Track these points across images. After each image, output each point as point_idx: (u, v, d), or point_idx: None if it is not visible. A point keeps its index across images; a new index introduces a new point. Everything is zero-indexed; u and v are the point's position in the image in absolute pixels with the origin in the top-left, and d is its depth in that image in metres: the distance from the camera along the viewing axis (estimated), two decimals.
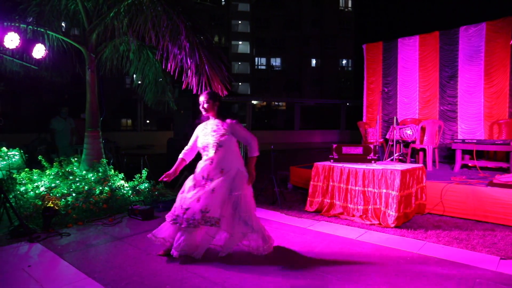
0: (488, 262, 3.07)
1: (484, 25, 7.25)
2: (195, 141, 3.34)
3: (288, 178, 6.55)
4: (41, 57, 4.47)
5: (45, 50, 4.46)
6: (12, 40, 3.81)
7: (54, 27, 5.18)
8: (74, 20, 5.43)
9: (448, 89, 7.83)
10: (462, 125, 7.62)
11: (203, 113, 3.29)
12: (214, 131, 3.22)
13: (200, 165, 3.24)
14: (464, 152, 6.37)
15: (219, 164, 3.14)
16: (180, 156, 3.38)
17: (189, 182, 3.21)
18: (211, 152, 3.17)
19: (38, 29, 4.96)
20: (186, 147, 3.41)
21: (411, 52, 8.44)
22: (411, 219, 4.43)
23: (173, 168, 3.29)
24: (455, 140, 6.43)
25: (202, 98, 3.27)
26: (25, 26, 4.60)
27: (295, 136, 23.23)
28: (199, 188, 3.11)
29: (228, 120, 3.25)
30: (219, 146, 3.15)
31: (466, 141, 6.24)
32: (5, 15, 4.68)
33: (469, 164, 6.32)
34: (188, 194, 3.12)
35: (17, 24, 4.57)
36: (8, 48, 3.91)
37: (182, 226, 3.01)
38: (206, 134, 3.26)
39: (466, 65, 7.54)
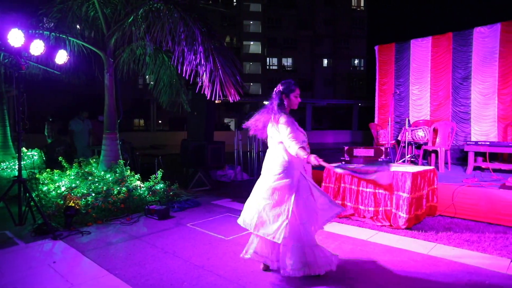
0: (499, 264, 3.11)
1: (499, 26, 7.20)
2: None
3: None
4: (63, 62, 4.66)
5: (67, 55, 4.65)
6: (37, 47, 3.99)
7: (74, 33, 5.38)
8: (93, 26, 5.62)
9: (461, 90, 7.79)
10: (475, 126, 7.57)
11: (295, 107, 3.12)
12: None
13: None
14: (477, 154, 6.35)
15: None
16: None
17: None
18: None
19: (60, 35, 5.16)
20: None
21: (423, 53, 8.43)
22: (422, 221, 4.47)
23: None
24: (467, 142, 6.40)
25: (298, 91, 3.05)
26: (48, 33, 4.80)
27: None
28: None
29: None
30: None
31: (479, 143, 6.21)
32: (28, 21, 4.89)
33: (482, 166, 6.29)
34: None
35: (40, 31, 4.77)
36: (33, 55, 4.09)
37: None
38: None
39: (480, 67, 7.50)
